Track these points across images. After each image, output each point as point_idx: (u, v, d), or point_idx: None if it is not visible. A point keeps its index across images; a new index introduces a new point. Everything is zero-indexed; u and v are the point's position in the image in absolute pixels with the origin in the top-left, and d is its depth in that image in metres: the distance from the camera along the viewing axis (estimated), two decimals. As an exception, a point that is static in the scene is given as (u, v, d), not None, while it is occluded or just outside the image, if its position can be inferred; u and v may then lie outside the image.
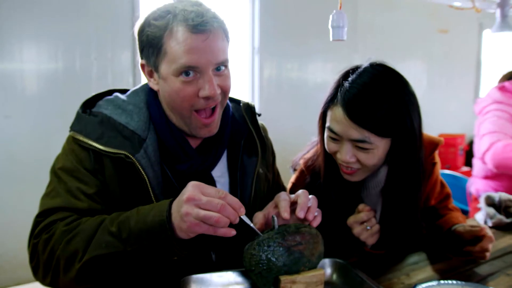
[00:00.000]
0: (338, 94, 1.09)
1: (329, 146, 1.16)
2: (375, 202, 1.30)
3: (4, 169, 2.77)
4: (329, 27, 1.25)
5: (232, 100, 1.25)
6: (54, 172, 1.03)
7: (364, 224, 1.10)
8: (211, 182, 1.11)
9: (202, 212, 0.80)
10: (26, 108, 2.82)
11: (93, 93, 1.11)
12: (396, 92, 1.07)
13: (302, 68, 4.18)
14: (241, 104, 1.24)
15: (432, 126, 1.23)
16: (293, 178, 1.39)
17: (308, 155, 1.34)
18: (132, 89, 1.14)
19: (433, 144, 1.30)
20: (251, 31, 3.87)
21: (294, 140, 3.43)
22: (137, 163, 0.98)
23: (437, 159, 1.37)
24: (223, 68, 1.03)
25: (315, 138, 1.33)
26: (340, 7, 1.25)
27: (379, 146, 1.08)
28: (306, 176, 1.32)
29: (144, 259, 0.88)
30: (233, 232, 0.84)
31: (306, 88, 4.19)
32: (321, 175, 1.26)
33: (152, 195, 0.99)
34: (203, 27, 0.96)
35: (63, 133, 1.07)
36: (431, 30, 5.14)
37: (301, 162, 1.35)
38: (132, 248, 0.86)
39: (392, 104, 1.06)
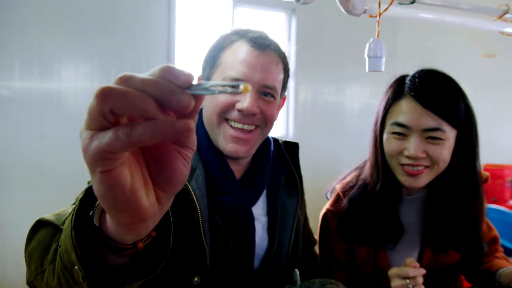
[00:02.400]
0: (405, 88, 1.09)
1: (392, 146, 1.08)
2: (413, 233, 1.18)
3: (37, 188, 2.80)
4: (365, 56, 1.15)
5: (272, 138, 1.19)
6: None
7: (407, 281, 0.97)
8: (251, 219, 1.03)
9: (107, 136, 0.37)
10: (61, 128, 2.86)
11: None
12: (461, 88, 1.13)
13: (339, 92, 4.07)
14: (280, 141, 1.18)
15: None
16: (328, 203, 1.28)
17: (347, 179, 1.25)
18: None
19: None
20: (286, 54, 3.80)
21: (328, 166, 3.29)
22: (191, 190, 0.92)
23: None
24: (269, 95, 0.99)
25: (348, 169, 1.25)
26: (378, 35, 1.14)
27: (450, 138, 1.06)
28: (343, 200, 1.21)
29: None
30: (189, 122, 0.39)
31: (342, 113, 4.07)
32: (370, 188, 1.17)
33: (201, 229, 0.92)
34: (262, 41, 0.97)
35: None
36: (476, 55, 4.91)
37: (338, 187, 1.25)
38: None
39: (461, 95, 1.10)
